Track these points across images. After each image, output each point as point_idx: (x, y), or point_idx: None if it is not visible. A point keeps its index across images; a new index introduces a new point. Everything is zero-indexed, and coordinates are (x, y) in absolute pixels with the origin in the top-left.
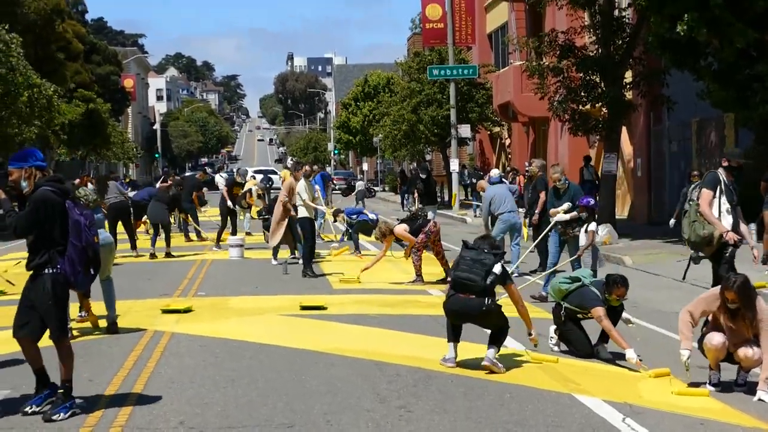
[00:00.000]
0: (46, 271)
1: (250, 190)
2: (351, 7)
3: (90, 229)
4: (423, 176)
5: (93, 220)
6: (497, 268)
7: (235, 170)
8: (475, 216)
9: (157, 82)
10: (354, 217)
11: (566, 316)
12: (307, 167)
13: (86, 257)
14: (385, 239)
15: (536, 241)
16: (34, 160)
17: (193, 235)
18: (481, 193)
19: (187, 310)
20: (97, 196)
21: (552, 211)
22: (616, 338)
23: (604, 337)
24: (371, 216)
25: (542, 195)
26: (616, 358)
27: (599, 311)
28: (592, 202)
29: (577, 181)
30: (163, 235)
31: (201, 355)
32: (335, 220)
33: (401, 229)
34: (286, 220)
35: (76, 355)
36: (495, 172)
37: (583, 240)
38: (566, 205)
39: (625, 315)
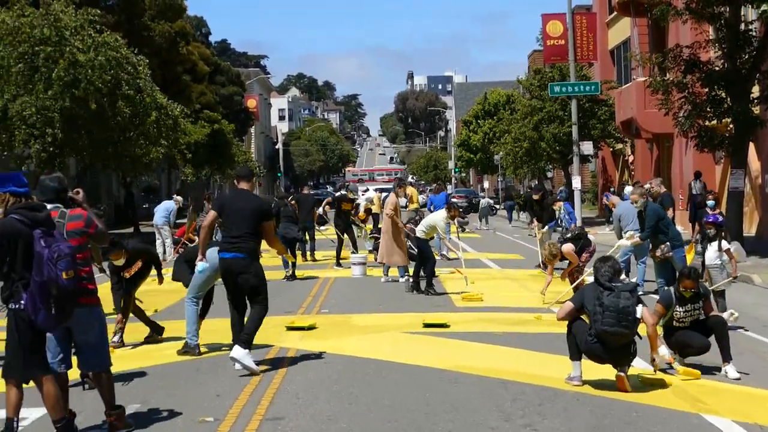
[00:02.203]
0: (10, 306)
1: (357, 206)
2: (473, 24)
3: (57, 263)
4: (536, 197)
5: (61, 253)
6: (639, 312)
7: (345, 187)
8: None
9: (279, 102)
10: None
11: (666, 329)
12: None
13: (48, 294)
14: (554, 260)
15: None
16: (11, 186)
17: (315, 254)
18: (612, 209)
19: (311, 327)
20: None
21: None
22: (650, 336)
23: (727, 356)
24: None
25: (669, 212)
26: (744, 378)
27: (657, 307)
28: (720, 218)
29: (686, 196)
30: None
31: (325, 371)
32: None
33: (569, 248)
34: (401, 236)
35: (204, 371)
36: (629, 190)
37: (711, 259)
38: (630, 232)
39: (727, 314)
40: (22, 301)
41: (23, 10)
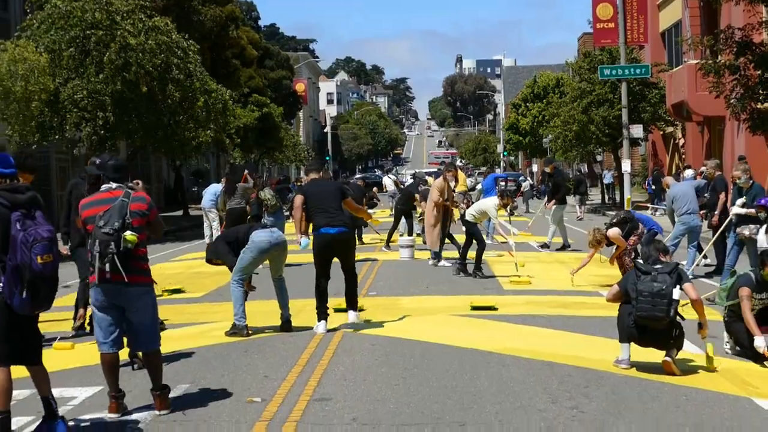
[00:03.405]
0: None
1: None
2: (523, 8)
3: (33, 247)
4: (548, 170)
5: (37, 236)
6: (677, 294)
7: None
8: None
9: (327, 86)
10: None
11: (732, 315)
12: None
13: (21, 277)
14: (598, 245)
15: (713, 239)
16: None
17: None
18: (666, 189)
19: (359, 309)
20: (277, 200)
21: (732, 210)
22: (749, 322)
23: None
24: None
25: (722, 196)
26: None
27: (743, 291)
28: None
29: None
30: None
31: (373, 353)
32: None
33: (615, 233)
34: (440, 221)
35: (251, 352)
36: (690, 173)
37: (763, 242)
38: (741, 200)
39: None
40: (0, 284)
41: None
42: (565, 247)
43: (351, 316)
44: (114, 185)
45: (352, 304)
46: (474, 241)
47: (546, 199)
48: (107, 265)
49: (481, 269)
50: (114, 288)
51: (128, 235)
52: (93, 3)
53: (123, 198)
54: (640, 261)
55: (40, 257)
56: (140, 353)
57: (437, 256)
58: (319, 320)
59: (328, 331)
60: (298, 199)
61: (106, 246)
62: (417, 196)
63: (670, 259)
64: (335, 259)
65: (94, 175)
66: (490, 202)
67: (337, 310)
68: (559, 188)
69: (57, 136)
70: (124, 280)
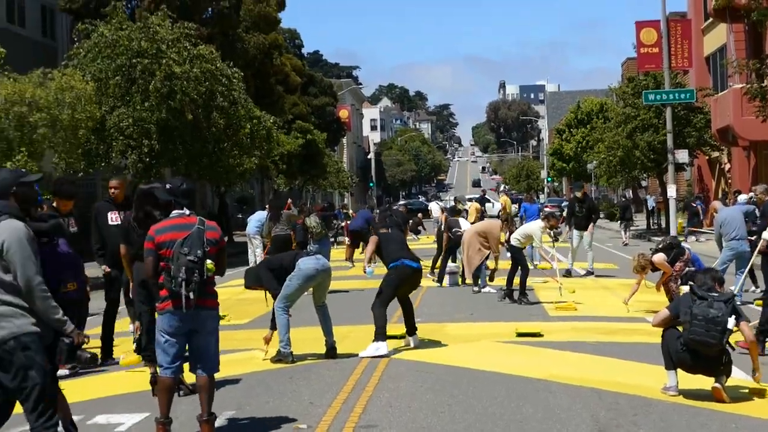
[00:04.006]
0: None
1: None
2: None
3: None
4: (578, 195)
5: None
6: (731, 323)
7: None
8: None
9: (371, 113)
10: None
11: None
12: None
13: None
14: (643, 272)
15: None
16: None
17: None
18: (714, 214)
19: (402, 336)
20: (323, 227)
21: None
22: (753, 352)
23: None
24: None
25: None
26: None
27: None
28: None
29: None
30: None
31: (418, 380)
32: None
33: (661, 258)
34: (480, 251)
35: (296, 379)
36: (743, 198)
37: None
38: None
39: None
40: None
41: (121, 23)
42: (569, 273)
43: (413, 339)
44: (187, 211)
45: (412, 328)
46: (519, 267)
47: (570, 224)
48: (191, 293)
49: (526, 295)
50: (191, 313)
51: (209, 263)
52: (139, 32)
53: (199, 226)
54: (696, 285)
55: (63, 286)
56: (184, 379)
57: (479, 282)
58: (381, 341)
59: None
60: (375, 239)
61: (192, 273)
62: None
63: (724, 290)
64: None
65: (165, 200)
66: (535, 226)
67: (389, 337)
68: (596, 210)
69: (103, 164)
70: (203, 305)
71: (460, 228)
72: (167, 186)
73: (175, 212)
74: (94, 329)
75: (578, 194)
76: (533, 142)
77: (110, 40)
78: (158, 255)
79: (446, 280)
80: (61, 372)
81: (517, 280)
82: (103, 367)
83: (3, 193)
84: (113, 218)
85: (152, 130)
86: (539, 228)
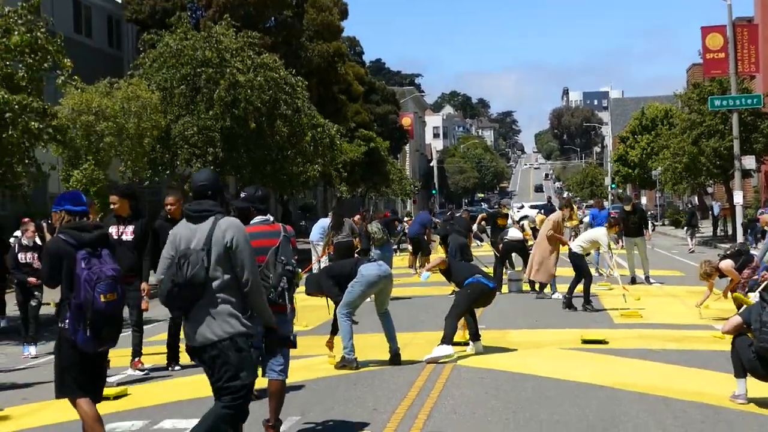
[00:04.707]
0: (59, 324)
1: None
2: (629, 40)
3: (96, 286)
4: (627, 209)
5: (101, 275)
6: None
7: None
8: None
9: (433, 120)
10: None
11: None
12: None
13: (83, 316)
14: (709, 278)
15: None
16: (67, 204)
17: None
18: (765, 228)
19: (466, 343)
20: (385, 234)
21: None
22: None
23: None
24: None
25: None
26: None
27: None
28: None
29: None
30: None
31: (482, 386)
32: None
33: (728, 265)
34: (554, 254)
35: (360, 385)
36: None
37: None
38: None
39: None
40: (66, 321)
41: (186, 33)
42: (633, 280)
43: (477, 346)
44: (271, 218)
45: (476, 335)
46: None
47: (623, 235)
48: (287, 300)
49: (590, 302)
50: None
51: (299, 272)
52: (203, 42)
53: (285, 234)
54: (766, 293)
55: (103, 296)
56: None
57: (545, 289)
58: (447, 344)
59: (438, 363)
60: (445, 261)
61: (290, 282)
62: (527, 228)
63: None
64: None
65: (241, 208)
66: (601, 231)
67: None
68: (646, 220)
69: (168, 172)
70: (293, 310)
71: (507, 235)
72: (242, 194)
73: (258, 218)
74: (159, 335)
75: (627, 207)
76: (597, 149)
77: (175, 49)
78: None
79: (506, 287)
80: (130, 372)
81: (580, 288)
82: (170, 372)
83: (213, 194)
84: None
85: (216, 138)
86: (604, 234)
